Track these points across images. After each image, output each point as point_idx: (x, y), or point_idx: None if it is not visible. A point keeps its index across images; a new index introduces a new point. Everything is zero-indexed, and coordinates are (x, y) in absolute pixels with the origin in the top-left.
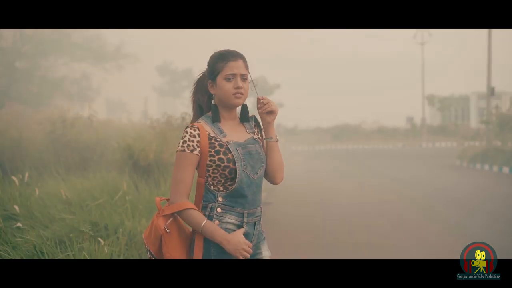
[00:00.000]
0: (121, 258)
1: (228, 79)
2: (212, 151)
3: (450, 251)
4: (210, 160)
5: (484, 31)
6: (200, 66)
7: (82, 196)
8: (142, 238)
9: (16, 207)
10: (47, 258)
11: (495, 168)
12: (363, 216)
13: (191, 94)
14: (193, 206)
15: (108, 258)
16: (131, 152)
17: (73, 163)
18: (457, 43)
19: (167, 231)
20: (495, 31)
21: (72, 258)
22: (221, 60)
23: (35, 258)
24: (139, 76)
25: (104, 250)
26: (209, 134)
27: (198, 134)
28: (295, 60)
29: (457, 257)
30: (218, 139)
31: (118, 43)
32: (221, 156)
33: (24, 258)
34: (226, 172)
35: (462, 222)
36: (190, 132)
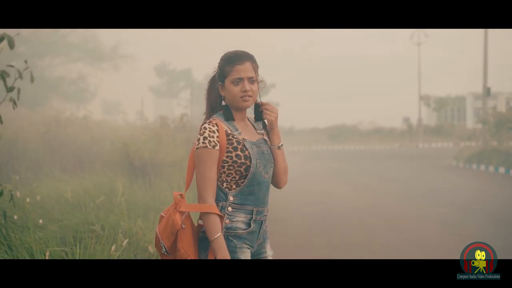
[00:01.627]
0: (118, 258)
1: (234, 82)
2: (230, 147)
3: (446, 252)
4: (227, 157)
5: (480, 32)
6: (198, 67)
7: (78, 197)
8: (139, 239)
9: (15, 217)
10: (43, 258)
11: (491, 169)
12: (359, 217)
13: (204, 92)
14: (218, 211)
15: (104, 258)
16: (127, 153)
17: (69, 164)
18: (453, 44)
19: (183, 226)
20: (491, 32)
21: (68, 258)
22: (228, 63)
23: (31, 258)
24: (136, 77)
25: (100, 251)
26: (226, 131)
27: (217, 130)
28: (291, 60)
29: (454, 257)
30: (235, 136)
31: (114, 43)
32: (239, 152)
33: (21, 258)
34: (242, 169)
35: (458, 223)
36: (209, 128)
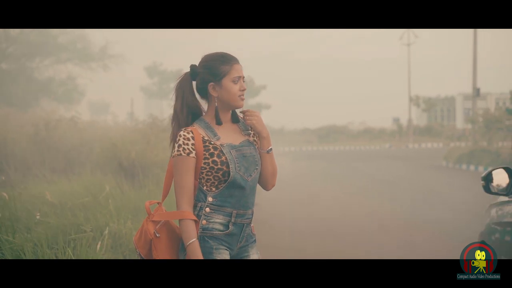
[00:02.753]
0: (107, 258)
1: (235, 81)
2: (207, 153)
3: (439, 251)
4: (204, 163)
5: (469, 33)
6: (189, 68)
7: (66, 197)
8: (129, 240)
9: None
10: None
11: (480, 169)
12: (350, 218)
13: (177, 96)
14: (192, 216)
15: (93, 258)
16: (116, 153)
17: (58, 165)
18: (443, 45)
19: (157, 235)
20: (480, 32)
21: (56, 258)
22: (225, 62)
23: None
24: (126, 78)
25: (89, 252)
26: (203, 138)
27: (192, 137)
28: (282, 62)
29: (444, 256)
30: (212, 142)
31: (103, 44)
32: (215, 158)
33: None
34: (219, 175)
35: (449, 223)
36: (184, 135)
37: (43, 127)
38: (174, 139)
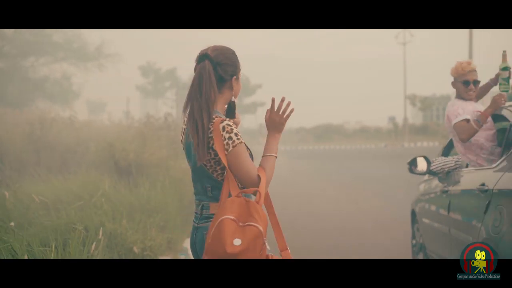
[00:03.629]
0: (101, 258)
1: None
2: None
3: None
4: None
5: (465, 32)
6: (182, 67)
7: (62, 197)
8: (124, 239)
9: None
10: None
11: None
12: (347, 217)
13: (212, 84)
14: (259, 168)
15: (87, 258)
16: (112, 153)
17: (54, 164)
18: (438, 44)
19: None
20: (476, 32)
21: (50, 258)
22: (238, 59)
23: (14, 258)
24: (121, 77)
25: (84, 251)
26: None
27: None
28: (278, 61)
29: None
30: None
31: (99, 43)
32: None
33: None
34: None
35: None
36: (233, 125)
37: (39, 126)
38: (206, 130)
